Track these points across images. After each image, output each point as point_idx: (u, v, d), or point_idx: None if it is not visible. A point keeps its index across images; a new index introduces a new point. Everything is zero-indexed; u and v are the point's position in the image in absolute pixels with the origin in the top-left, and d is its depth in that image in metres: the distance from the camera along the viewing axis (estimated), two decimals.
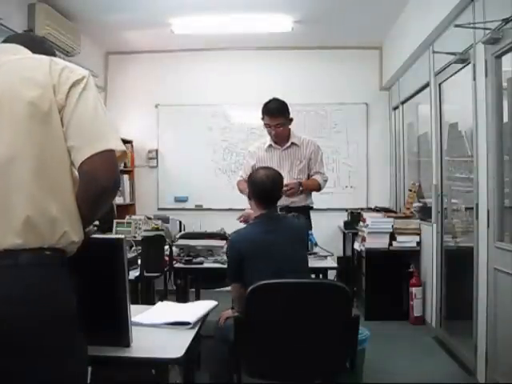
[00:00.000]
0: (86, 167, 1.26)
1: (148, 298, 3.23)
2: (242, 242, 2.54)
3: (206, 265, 3.34)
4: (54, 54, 1.52)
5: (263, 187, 2.59)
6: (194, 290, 4.15)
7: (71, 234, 1.27)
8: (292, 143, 3.83)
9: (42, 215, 1.22)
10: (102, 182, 1.28)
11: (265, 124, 3.74)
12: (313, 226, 3.86)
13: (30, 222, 1.20)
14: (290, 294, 2.14)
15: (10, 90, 1.26)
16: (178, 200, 6.02)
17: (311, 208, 3.89)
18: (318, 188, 3.83)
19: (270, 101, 3.72)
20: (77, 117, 1.27)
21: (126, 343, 1.51)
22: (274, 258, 2.45)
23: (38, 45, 1.51)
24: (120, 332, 1.51)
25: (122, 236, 1.51)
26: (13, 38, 1.49)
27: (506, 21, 2.76)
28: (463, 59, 3.50)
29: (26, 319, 1.16)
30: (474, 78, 3.31)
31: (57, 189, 1.26)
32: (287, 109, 3.73)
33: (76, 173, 1.30)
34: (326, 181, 3.87)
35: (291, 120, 3.79)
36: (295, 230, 2.66)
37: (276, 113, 3.66)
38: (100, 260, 1.42)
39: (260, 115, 3.78)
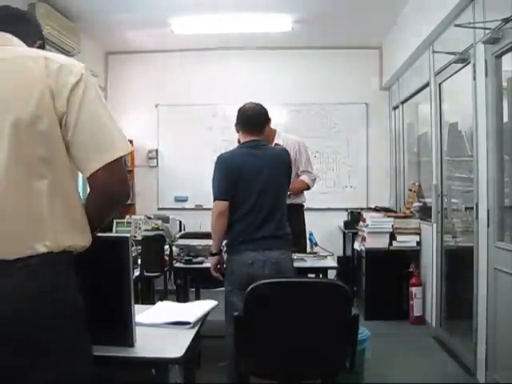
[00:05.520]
0: (97, 181, 1.25)
1: (148, 297, 3.24)
2: (231, 162, 2.75)
3: (205, 265, 3.34)
4: (40, 33, 1.46)
5: (247, 115, 2.84)
6: (194, 289, 4.15)
7: (77, 238, 1.27)
8: (276, 144, 3.88)
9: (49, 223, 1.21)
10: (114, 195, 1.29)
11: None
12: (313, 225, 3.87)
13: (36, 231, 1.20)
14: (290, 293, 2.14)
15: (1, 108, 1.19)
16: (177, 200, 6.02)
17: (302, 206, 3.91)
18: (306, 188, 3.85)
19: None
20: (81, 124, 1.22)
21: (130, 343, 1.50)
22: (258, 181, 2.70)
23: (24, 26, 1.40)
24: (124, 332, 1.50)
25: (128, 235, 1.51)
26: None
27: (506, 21, 2.76)
28: (463, 59, 3.50)
29: (31, 318, 1.16)
30: (474, 78, 3.31)
31: (64, 196, 1.25)
32: None
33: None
34: (314, 179, 3.88)
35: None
36: (280, 158, 2.85)
37: None
38: (104, 259, 1.41)
39: None
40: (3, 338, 1.15)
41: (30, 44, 1.38)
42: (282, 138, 3.86)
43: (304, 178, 3.81)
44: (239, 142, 2.96)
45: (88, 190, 1.30)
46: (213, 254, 2.86)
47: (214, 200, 2.74)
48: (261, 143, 2.84)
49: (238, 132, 2.92)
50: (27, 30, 1.40)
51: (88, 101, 1.24)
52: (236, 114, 2.92)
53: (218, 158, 2.80)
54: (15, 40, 1.33)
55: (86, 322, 1.27)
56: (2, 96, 1.20)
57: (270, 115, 4.09)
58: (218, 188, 2.74)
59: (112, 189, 1.27)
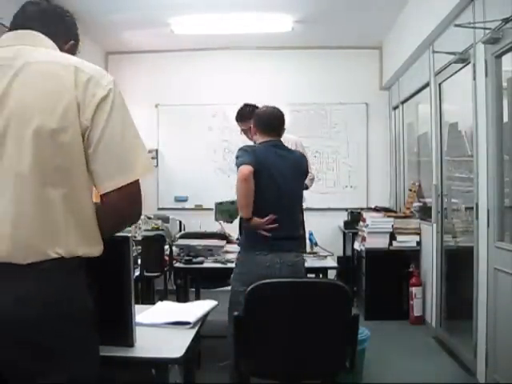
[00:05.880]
0: (108, 200, 1.23)
1: (148, 297, 3.24)
2: (255, 151, 2.68)
3: (205, 265, 3.35)
4: (74, 33, 1.42)
5: (267, 117, 2.82)
6: (194, 289, 4.15)
7: (89, 248, 1.26)
8: None
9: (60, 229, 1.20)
10: (124, 218, 1.31)
11: (242, 130, 3.68)
12: (313, 225, 3.87)
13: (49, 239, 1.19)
14: (290, 294, 2.15)
15: (27, 114, 1.16)
16: (177, 200, 6.02)
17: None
18: (305, 188, 3.83)
19: (242, 107, 3.73)
20: (103, 143, 1.19)
21: (130, 343, 1.50)
22: (280, 178, 2.65)
23: (57, 25, 1.35)
24: (124, 332, 1.50)
25: (129, 234, 1.50)
26: (28, 16, 1.32)
27: (506, 20, 2.76)
28: (463, 59, 3.50)
29: (44, 321, 1.16)
30: (474, 78, 3.31)
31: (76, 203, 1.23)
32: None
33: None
34: (312, 179, 3.86)
35: None
36: (300, 162, 2.85)
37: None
38: (105, 259, 1.40)
39: None
40: (22, 342, 1.15)
41: (61, 45, 1.34)
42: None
43: None
44: (255, 143, 2.95)
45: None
46: (248, 220, 2.62)
47: (238, 168, 2.63)
48: (281, 144, 2.83)
49: (255, 134, 2.90)
50: (60, 29, 1.36)
51: (113, 118, 1.21)
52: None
53: (241, 147, 2.76)
54: (46, 40, 1.29)
55: (95, 324, 1.27)
56: (28, 102, 1.17)
57: None
58: (242, 159, 2.62)
59: (122, 211, 1.27)
